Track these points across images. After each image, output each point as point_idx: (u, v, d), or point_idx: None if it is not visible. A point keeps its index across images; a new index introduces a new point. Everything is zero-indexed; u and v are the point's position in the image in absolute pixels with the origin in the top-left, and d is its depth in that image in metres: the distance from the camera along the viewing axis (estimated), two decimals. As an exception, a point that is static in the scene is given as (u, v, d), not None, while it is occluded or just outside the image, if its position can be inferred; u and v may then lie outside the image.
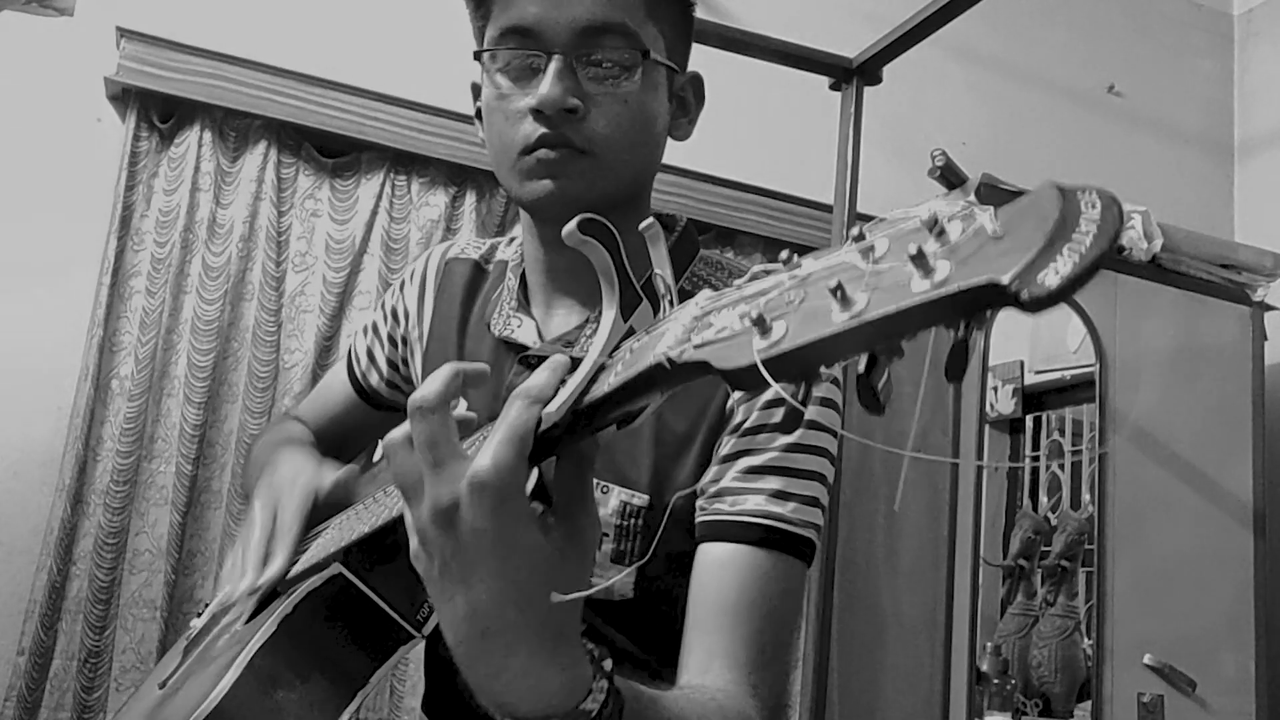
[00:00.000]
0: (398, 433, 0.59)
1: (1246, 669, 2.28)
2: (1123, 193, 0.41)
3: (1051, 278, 0.35)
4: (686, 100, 0.98)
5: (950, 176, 2.26)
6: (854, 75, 2.19)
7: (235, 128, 2.36)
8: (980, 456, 2.24)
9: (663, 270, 0.57)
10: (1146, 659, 2.19)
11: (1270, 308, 2.49)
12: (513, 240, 1.08)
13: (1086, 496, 2.46)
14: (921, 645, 2.19)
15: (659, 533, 0.70)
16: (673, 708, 0.69)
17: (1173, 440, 2.32)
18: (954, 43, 2.65)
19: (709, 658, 0.80)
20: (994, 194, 2.23)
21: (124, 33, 2.24)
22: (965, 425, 2.21)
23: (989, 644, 2.38)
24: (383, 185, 2.45)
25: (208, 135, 2.32)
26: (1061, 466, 2.59)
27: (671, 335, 0.49)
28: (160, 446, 2.22)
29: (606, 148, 0.88)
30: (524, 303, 0.99)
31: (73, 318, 2.22)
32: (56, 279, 2.23)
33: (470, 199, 2.51)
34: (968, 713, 2.10)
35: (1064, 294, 0.35)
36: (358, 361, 1.15)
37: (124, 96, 2.29)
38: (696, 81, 0.99)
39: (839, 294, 0.40)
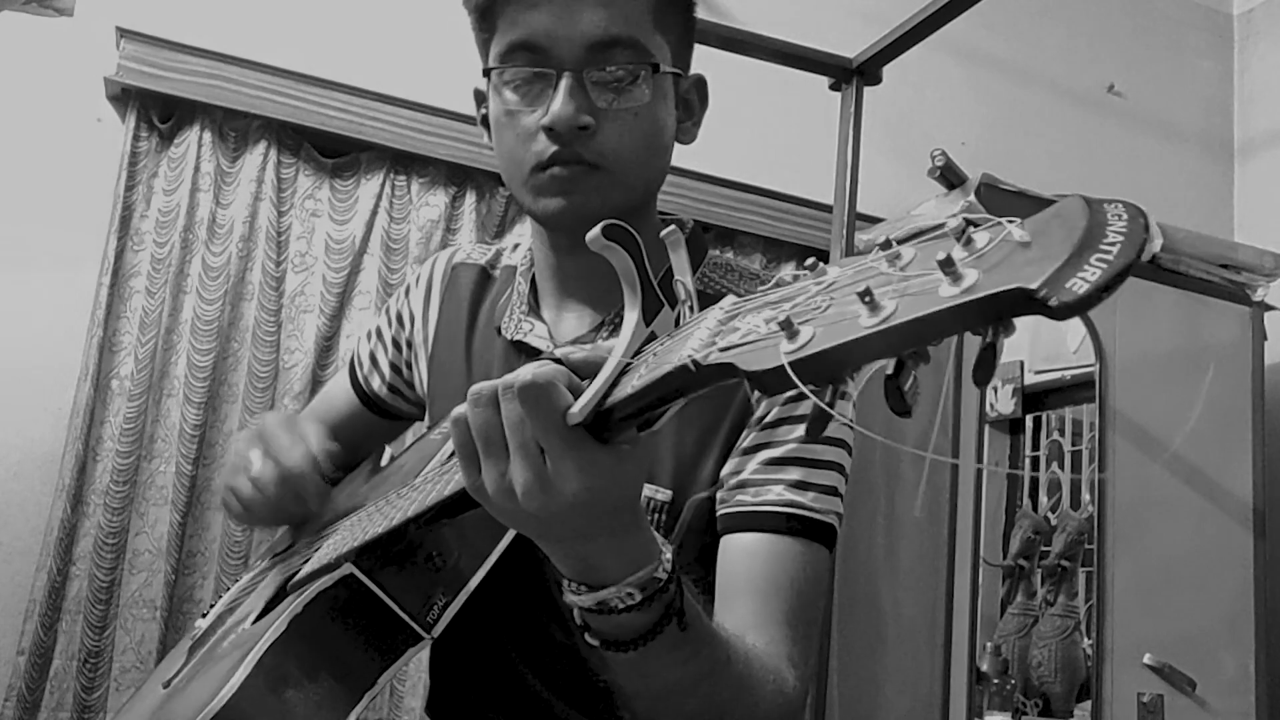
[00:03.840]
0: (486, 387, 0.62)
1: (1246, 669, 2.28)
2: (1123, 193, 0.42)
3: (1080, 285, 0.37)
4: (691, 104, 0.98)
5: (950, 176, 2.26)
6: (854, 75, 2.19)
7: (235, 128, 2.36)
8: (980, 457, 2.24)
9: (683, 276, 0.58)
10: (1146, 659, 2.19)
11: (1270, 308, 2.49)
12: (517, 246, 1.09)
13: (1086, 496, 2.46)
14: (921, 645, 2.19)
15: (688, 523, 0.74)
16: (712, 623, 0.75)
17: (1173, 440, 2.32)
18: (954, 43, 2.64)
19: (743, 631, 0.81)
20: (994, 194, 2.23)
21: (124, 33, 2.24)
22: (965, 425, 2.21)
23: (989, 644, 2.38)
24: (382, 185, 2.45)
25: (208, 135, 2.32)
26: (1061, 466, 2.59)
27: (697, 338, 0.51)
28: (160, 446, 2.22)
29: (618, 161, 0.88)
30: (534, 306, 1.00)
31: (73, 318, 2.21)
32: (56, 279, 2.23)
33: (470, 199, 2.50)
34: (968, 713, 2.10)
35: (1092, 301, 0.37)
36: (360, 366, 1.15)
37: (124, 96, 2.29)
38: (700, 84, 0.99)
39: (867, 299, 0.41)
